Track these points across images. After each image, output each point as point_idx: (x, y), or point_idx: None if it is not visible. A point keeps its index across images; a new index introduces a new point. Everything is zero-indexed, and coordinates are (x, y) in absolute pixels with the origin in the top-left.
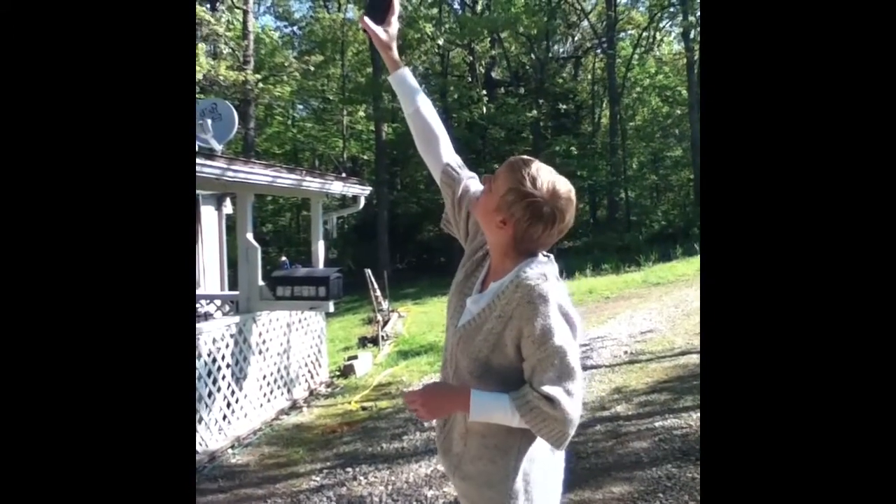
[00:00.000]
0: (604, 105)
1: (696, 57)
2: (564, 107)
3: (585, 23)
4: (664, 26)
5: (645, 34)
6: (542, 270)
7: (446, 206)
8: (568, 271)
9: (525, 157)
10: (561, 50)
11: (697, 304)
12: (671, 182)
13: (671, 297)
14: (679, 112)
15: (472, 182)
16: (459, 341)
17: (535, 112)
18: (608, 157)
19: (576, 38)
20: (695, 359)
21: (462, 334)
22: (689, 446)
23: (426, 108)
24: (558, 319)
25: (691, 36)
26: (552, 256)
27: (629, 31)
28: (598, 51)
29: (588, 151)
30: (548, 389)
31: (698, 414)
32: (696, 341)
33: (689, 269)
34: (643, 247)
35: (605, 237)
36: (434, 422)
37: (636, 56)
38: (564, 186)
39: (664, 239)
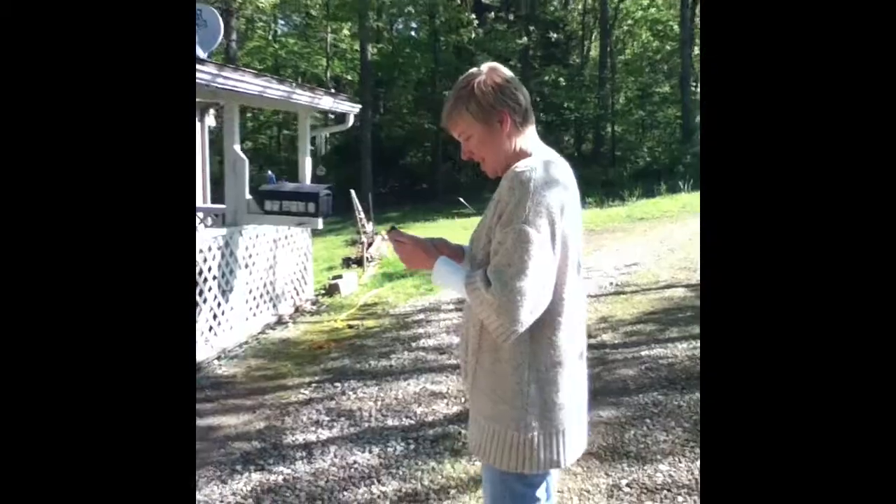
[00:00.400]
0: (593, 37)
1: None
2: (555, 35)
3: None
4: None
5: None
6: (534, 163)
7: None
8: None
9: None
10: None
11: (681, 239)
12: (657, 119)
13: (656, 233)
14: (669, 47)
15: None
16: (470, 246)
17: (525, 39)
18: (596, 90)
19: None
20: (680, 292)
21: (472, 238)
22: (675, 375)
23: None
24: (533, 208)
25: None
26: (557, 154)
27: None
28: None
29: (576, 84)
30: (490, 272)
31: (684, 345)
32: (681, 275)
33: (672, 205)
34: (627, 182)
35: (590, 171)
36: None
37: None
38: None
39: (648, 175)
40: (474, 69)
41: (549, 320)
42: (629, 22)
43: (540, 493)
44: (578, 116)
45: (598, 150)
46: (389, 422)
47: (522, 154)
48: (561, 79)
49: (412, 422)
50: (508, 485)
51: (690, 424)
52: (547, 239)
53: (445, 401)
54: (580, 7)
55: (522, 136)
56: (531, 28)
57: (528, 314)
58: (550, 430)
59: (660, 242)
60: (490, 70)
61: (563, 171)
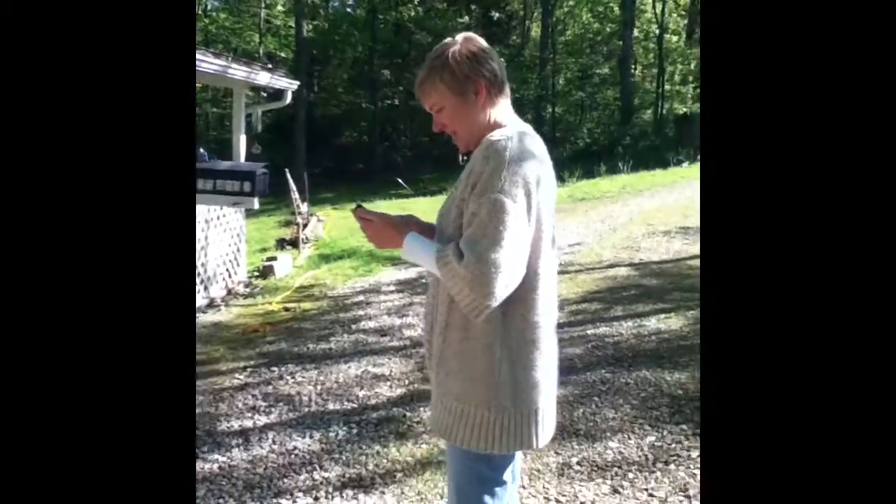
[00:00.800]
0: (534, 17)
1: None
2: (497, 15)
3: None
4: None
5: None
6: (510, 132)
7: None
8: None
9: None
10: None
11: (623, 219)
12: (597, 100)
13: (597, 213)
14: (609, 29)
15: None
16: (439, 221)
17: (466, 18)
18: (537, 70)
19: None
20: (623, 271)
21: (441, 212)
22: (622, 353)
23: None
24: (509, 178)
25: None
26: (531, 128)
27: None
28: None
29: (517, 64)
30: (463, 245)
31: (629, 323)
32: (623, 255)
33: (613, 186)
34: (567, 163)
35: None
36: (421, 321)
37: None
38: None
39: (588, 156)
40: (448, 39)
41: (522, 296)
42: (570, 3)
43: (507, 475)
44: (519, 97)
45: (539, 131)
46: (330, 406)
47: (496, 126)
48: (502, 59)
49: (354, 405)
50: (475, 468)
51: (638, 401)
52: (523, 210)
53: (388, 383)
54: None
55: (497, 108)
56: (472, 7)
57: (503, 288)
58: (524, 410)
59: (601, 222)
60: (465, 40)
61: (539, 143)
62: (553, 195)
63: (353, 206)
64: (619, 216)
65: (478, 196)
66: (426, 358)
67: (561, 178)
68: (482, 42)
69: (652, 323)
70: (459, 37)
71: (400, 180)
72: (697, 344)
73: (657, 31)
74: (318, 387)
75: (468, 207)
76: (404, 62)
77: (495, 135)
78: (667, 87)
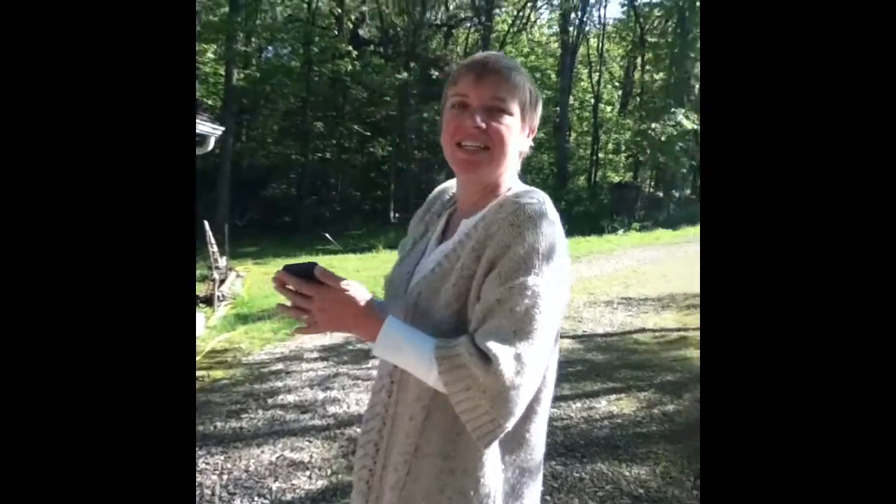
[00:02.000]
0: None
1: (572, 40)
2: (436, 73)
3: None
4: (541, 6)
5: (520, 13)
6: (540, 196)
7: None
8: None
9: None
10: (434, 17)
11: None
12: (533, 164)
13: None
14: (545, 96)
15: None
16: (416, 304)
17: (405, 74)
18: None
19: (451, 7)
20: (567, 343)
21: (422, 290)
22: (573, 441)
23: None
24: (547, 258)
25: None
26: None
27: (504, 7)
28: (470, 24)
29: None
30: (490, 343)
31: (578, 404)
32: (566, 325)
33: None
34: None
35: None
36: (362, 428)
37: (510, 34)
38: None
39: None
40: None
41: (526, 410)
42: None
43: None
44: None
45: None
46: (238, 501)
47: (504, 183)
48: (438, 117)
49: (266, 501)
50: None
51: (596, 501)
52: (558, 302)
53: (308, 473)
54: (460, 49)
55: (518, 163)
56: (411, 64)
57: (524, 405)
58: None
59: None
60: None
61: (554, 209)
62: None
63: (307, 264)
64: None
65: (506, 277)
66: (358, 496)
67: None
68: None
69: (602, 405)
70: None
71: (328, 235)
72: (653, 431)
73: (592, 101)
74: (225, 476)
75: (485, 288)
76: (338, 115)
77: (524, 196)
78: (600, 154)
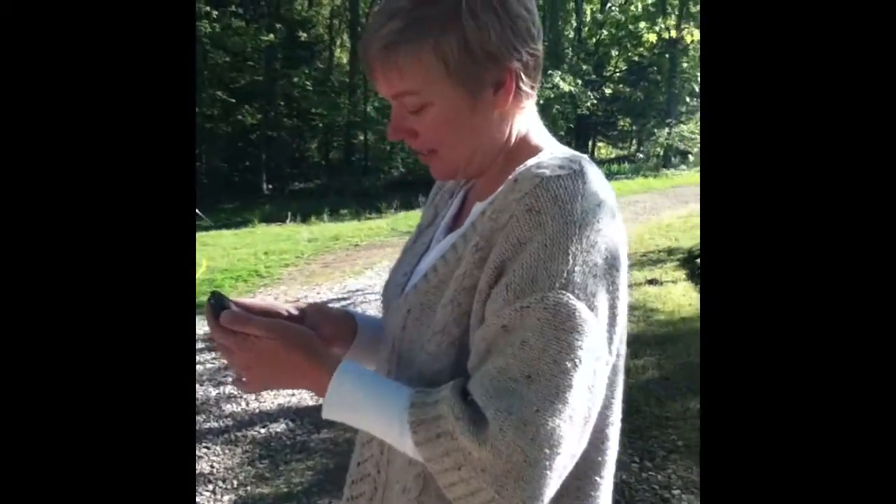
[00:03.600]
0: (338, 42)
1: None
2: (304, 35)
3: None
4: None
5: None
6: (569, 164)
7: None
8: (303, 216)
9: None
10: None
11: None
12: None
13: None
14: None
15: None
16: (405, 327)
17: (270, 36)
18: (348, 96)
19: None
20: None
21: (412, 307)
22: None
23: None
24: (581, 257)
25: None
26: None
27: None
28: None
29: (325, 89)
30: (487, 395)
31: None
32: None
33: None
34: (383, 193)
35: (342, 181)
36: (347, 489)
37: None
38: None
39: (405, 186)
40: None
41: (576, 484)
42: None
43: None
44: (328, 123)
45: (350, 159)
46: None
47: (525, 145)
48: (308, 83)
49: None
50: None
51: None
52: (604, 323)
53: (211, 487)
54: (327, 12)
55: (522, 114)
56: (277, 25)
57: (557, 480)
58: None
59: None
60: None
61: (606, 184)
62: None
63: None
64: None
65: (518, 291)
66: None
67: (378, 210)
68: None
69: None
70: None
71: (197, 210)
72: None
73: None
74: None
75: (489, 306)
76: (200, 82)
77: (549, 165)
78: None
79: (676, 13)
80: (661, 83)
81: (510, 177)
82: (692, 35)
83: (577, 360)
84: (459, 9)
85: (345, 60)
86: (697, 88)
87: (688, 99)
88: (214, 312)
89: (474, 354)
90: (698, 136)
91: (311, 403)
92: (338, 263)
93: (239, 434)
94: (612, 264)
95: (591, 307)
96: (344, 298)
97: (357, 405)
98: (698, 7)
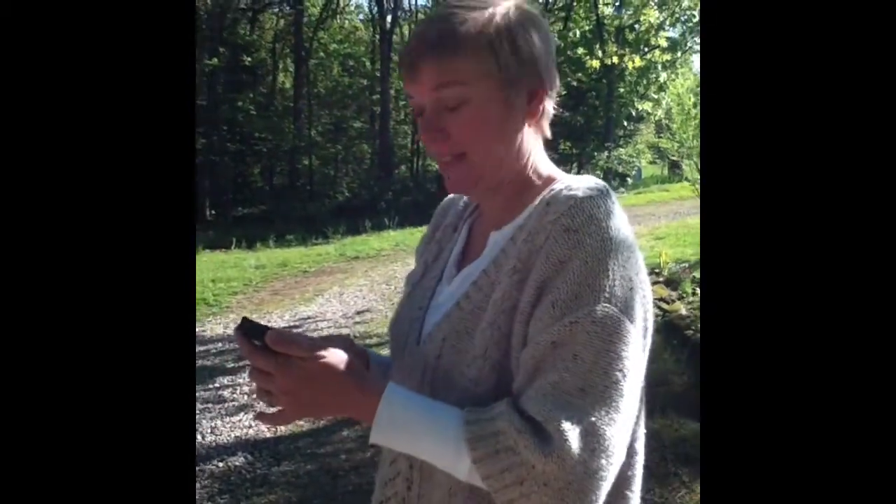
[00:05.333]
0: (281, 66)
1: (389, 27)
2: (248, 59)
3: None
4: None
5: None
6: (599, 187)
7: None
8: (248, 242)
9: None
10: (241, 1)
11: None
12: (353, 154)
13: (378, 273)
14: (363, 83)
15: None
16: (440, 356)
17: (216, 60)
18: (292, 120)
19: None
20: None
21: (446, 336)
22: None
23: None
24: (620, 274)
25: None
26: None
27: None
28: (279, 8)
29: (269, 113)
30: (548, 410)
31: None
32: None
33: (384, 243)
34: (328, 218)
35: (287, 206)
36: (379, 474)
37: (322, 19)
38: None
39: (350, 211)
40: None
41: (610, 497)
42: (321, 55)
43: None
44: (272, 147)
45: (294, 184)
46: None
47: (537, 175)
48: (252, 107)
49: None
50: None
51: None
52: (640, 334)
53: None
54: (270, 36)
55: (538, 141)
56: (221, 49)
57: (607, 490)
58: None
59: (386, 284)
60: (523, 5)
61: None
62: None
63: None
64: (402, 277)
65: (565, 308)
66: None
67: (324, 235)
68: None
69: None
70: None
71: None
72: None
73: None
74: None
75: (534, 325)
76: None
77: (579, 188)
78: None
79: (612, 40)
80: (599, 108)
81: (542, 199)
82: (633, 62)
83: (625, 370)
84: (509, 17)
85: (288, 85)
86: (634, 113)
87: (625, 123)
88: (248, 336)
89: (522, 374)
90: (636, 160)
91: (268, 436)
92: (287, 290)
93: (196, 469)
94: (642, 278)
95: (632, 319)
96: (295, 326)
97: (409, 426)
98: (633, 35)
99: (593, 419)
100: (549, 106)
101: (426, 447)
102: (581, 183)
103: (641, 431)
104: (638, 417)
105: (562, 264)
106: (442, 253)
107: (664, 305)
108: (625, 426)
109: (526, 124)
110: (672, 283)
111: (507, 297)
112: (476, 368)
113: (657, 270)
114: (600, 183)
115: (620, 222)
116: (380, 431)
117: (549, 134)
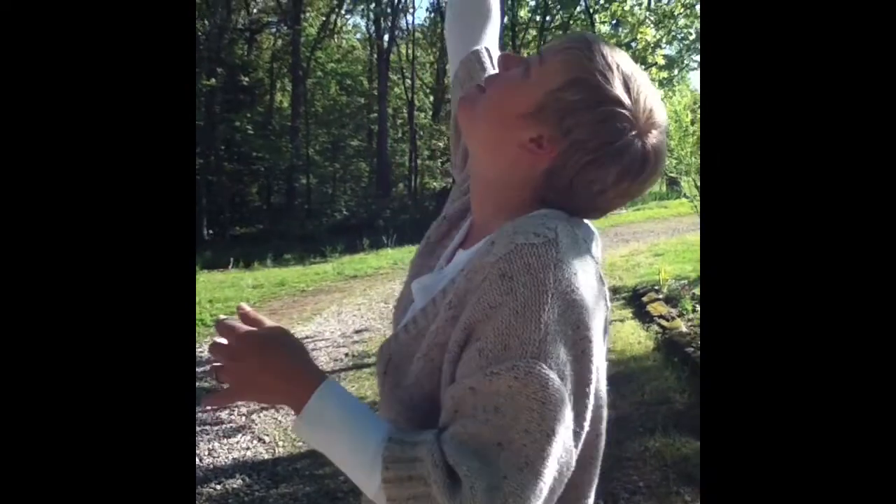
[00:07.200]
0: (279, 86)
1: (386, 46)
2: (246, 79)
3: None
4: (347, 13)
5: (328, 18)
6: (554, 225)
7: (452, 119)
8: (246, 261)
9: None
10: (236, 22)
11: None
12: (351, 172)
13: (376, 292)
14: (360, 102)
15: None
16: (386, 372)
17: (212, 80)
18: (290, 139)
19: (253, 12)
20: None
21: (393, 353)
22: None
23: None
24: (553, 326)
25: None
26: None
27: (310, 13)
28: (276, 29)
29: (267, 132)
30: (460, 456)
31: None
32: None
33: (383, 262)
34: (326, 237)
35: (285, 225)
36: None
37: (319, 39)
38: (664, 113)
39: (348, 230)
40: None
41: None
42: (319, 74)
43: None
44: (270, 166)
45: (292, 203)
46: None
47: (531, 199)
48: (248, 127)
49: None
50: None
51: None
52: (573, 391)
53: None
54: (267, 55)
55: (546, 191)
56: (218, 70)
57: None
58: None
59: (384, 303)
60: (661, 129)
61: (585, 248)
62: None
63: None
64: None
65: (489, 357)
66: None
67: (322, 254)
68: (661, 123)
69: None
70: (658, 99)
71: None
72: None
73: (405, 108)
74: None
75: (461, 367)
76: None
77: (524, 229)
78: (418, 161)
79: None
80: None
81: (489, 237)
82: None
83: (547, 431)
84: (589, 66)
85: (285, 104)
86: None
87: None
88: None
89: (444, 412)
90: None
91: (266, 457)
92: (285, 310)
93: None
94: (584, 334)
95: (562, 377)
96: None
97: (334, 425)
98: (630, 53)
99: (505, 476)
100: (571, 159)
101: (343, 453)
102: (530, 225)
103: (589, 489)
104: (589, 480)
105: (492, 310)
106: (434, 250)
107: (664, 323)
108: (543, 488)
109: (534, 155)
110: (672, 300)
111: (441, 332)
112: (408, 394)
113: (656, 287)
114: (553, 227)
115: (564, 273)
116: (303, 425)
117: (559, 204)
